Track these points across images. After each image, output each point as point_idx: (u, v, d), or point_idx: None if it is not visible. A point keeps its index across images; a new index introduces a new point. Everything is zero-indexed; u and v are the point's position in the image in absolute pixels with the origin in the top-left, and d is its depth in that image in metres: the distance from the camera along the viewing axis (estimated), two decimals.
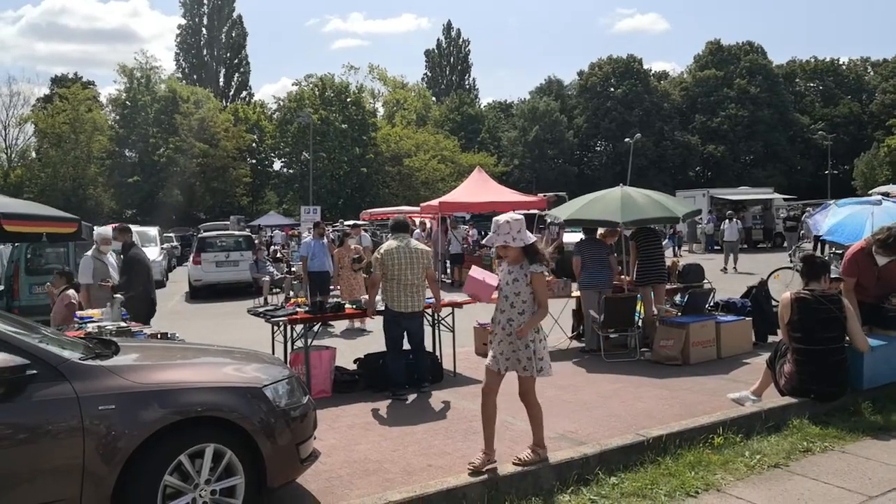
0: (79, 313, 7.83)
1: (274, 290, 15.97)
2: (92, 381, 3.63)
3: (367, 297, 7.62)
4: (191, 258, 19.55)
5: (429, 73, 75.69)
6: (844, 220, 8.59)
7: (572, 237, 16.19)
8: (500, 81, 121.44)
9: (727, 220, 21.73)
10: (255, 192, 56.02)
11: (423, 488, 4.32)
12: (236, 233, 22.13)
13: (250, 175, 53.01)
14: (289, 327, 7.18)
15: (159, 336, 6.42)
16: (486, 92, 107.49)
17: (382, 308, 7.19)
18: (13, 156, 54.74)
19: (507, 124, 70.36)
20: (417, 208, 23.57)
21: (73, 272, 12.02)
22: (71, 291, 8.17)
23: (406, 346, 7.18)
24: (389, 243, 7.05)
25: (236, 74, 64.73)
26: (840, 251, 9.38)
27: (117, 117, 52.30)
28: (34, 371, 3.48)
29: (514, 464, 4.64)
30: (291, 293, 15.08)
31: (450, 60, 75.61)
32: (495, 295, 4.90)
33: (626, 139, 49.62)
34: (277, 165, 57.83)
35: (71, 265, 12.96)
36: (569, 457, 4.78)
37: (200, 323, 13.43)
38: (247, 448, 3.94)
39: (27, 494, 3.40)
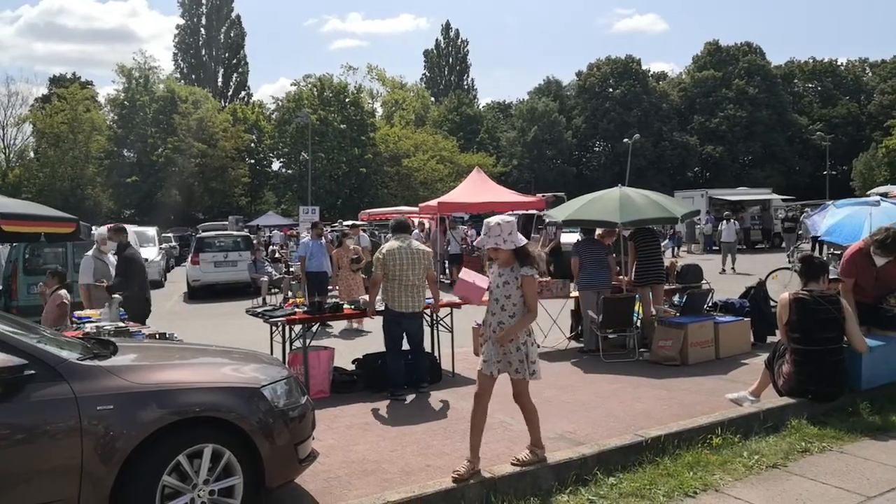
0: (77, 313, 7.83)
1: (272, 291, 15.94)
2: (90, 382, 3.62)
3: (365, 297, 7.62)
4: (189, 258, 19.53)
5: (427, 74, 75.71)
6: (843, 221, 8.61)
7: (570, 237, 16.22)
8: (498, 82, 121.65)
9: (725, 221, 21.74)
10: (254, 192, 56.01)
11: (422, 488, 4.32)
12: (235, 233, 22.11)
13: (249, 175, 53.00)
14: (287, 327, 7.17)
15: (157, 336, 6.41)
16: (485, 92, 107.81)
17: (382, 308, 7.19)
18: (11, 156, 54.76)
19: (506, 125, 70.39)
20: (416, 208, 23.56)
21: (68, 272, 12.03)
22: (63, 291, 8.14)
23: (405, 346, 7.19)
24: (391, 243, 7.04)
25: (235, 74, 64.71)
26: (838, 252, 9.40)
27: (115, 117, 52.24)
28: (32, 371, 3.48)
29: (513, 464, 4.65)
30: (290, 293, 15.06)
31: (448, 61, 75.61)
32: (486, 297, 4.89)
33: (625, 140, 49.66)
34: (276, 166, 57.95)
35: (69, 265, 12.97)
36: (567, 457, 4.78)
37: (199, 323, 13.42)
38: (245, 448, 3.93)
39: (25, 495, 3.39)
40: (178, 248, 31.19)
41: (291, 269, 17.64)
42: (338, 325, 11.64)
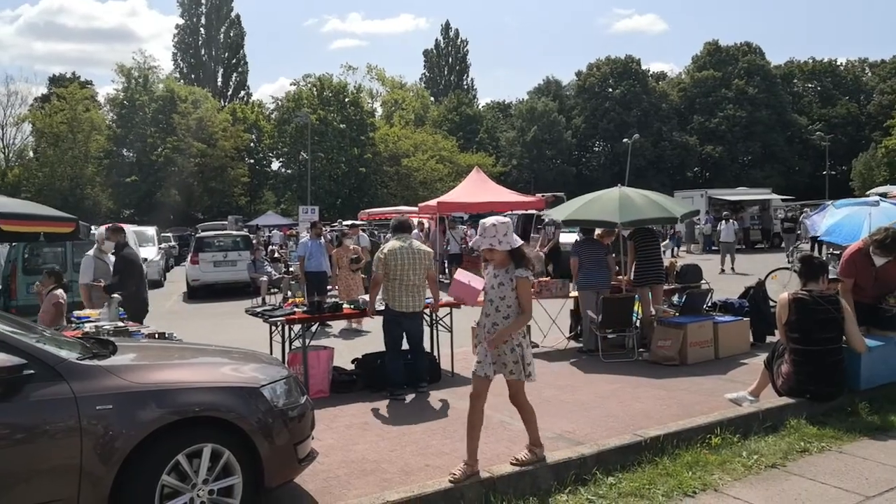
0: (76, 313, 7.84)
1: (272, 290, 15.94)
2: (89, 381, 3.62)
3: (364, 297, 7.62)
4: (188, 258, 19.53)
5: (427, 74, 75.70)
6: (842, 221, 8.62)
7: (568, 237, 16.23)
8: (498, 82, 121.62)
9: (724, 221, 21.74)
10: (253, 191, 56.00)
11: (421, 488, 4.32)
12: (234, 233, 22.11)
13: (248, 175, 52.99)
14: (287, 327, 7.18)
15: (157, 336, 6.41)
16: (485, 92, 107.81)
17: (382, 308, 7.19)
18: (11, 155, 54.73)
19: (506, 124, 70.37)
20: (416, 208, 23.57)
21: (67, 272, 12.01)
22: (59, 291, 8.15)
23: (405, 345, 7.19)
24: (392, 243, 7.04)
25: (234, 74, 64.69)
26: (837, 252, 9.41)
27: (115, 117, 52.21)
28: (31, 371, 3.48)
29: (512, 464, 4.64)
30: (289, 293, 15.06)
31: (448, 60, 75.61)
32: (481, 298, 4.87)
33: (625, 139, 49.67)
34: (275, 165, 57.94)
35: (68, 265, 12.98)
36: (566, 457, 4.78)
37: (198, 323, 13.42)
38: (245, 448, 3.93)
39: (24, 494, 3.39)
40: (177, 247, 31.17)
41: (291, 269, 17.63)
42: (337, 325, 11.64)
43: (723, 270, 19.69)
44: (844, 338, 6.07)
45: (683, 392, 6.75)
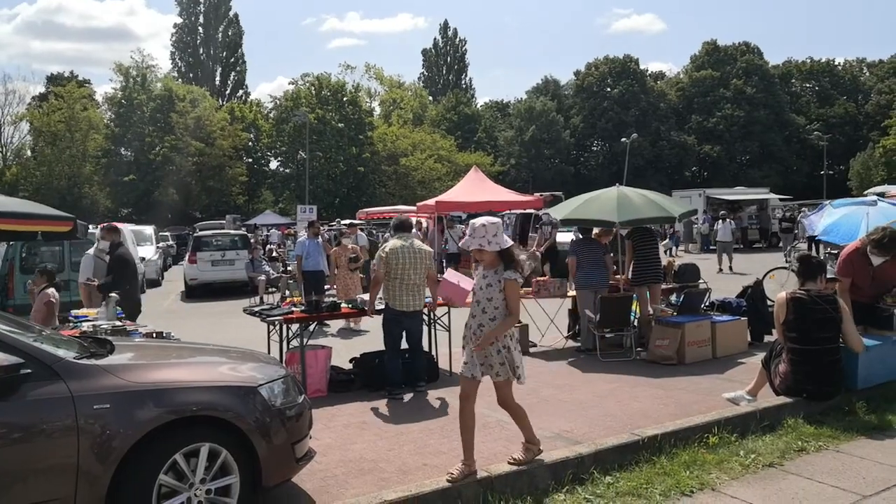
0: (74, 312, 7.82)
1: (270, 290, 15.93)
2: (87, 381, 3.62)
3: (362, 296, 7.61)
4: (186, 257, 19.50)
5: (425, 73, 75.68)
6: (840, 221, 8.63)
7: (565, 237, 16.25)
8: (496, 81, 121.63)
9: (721, 221, 21.76)
10: (252, 191, 55.92)
11: (419, 487, 4.32)
12: (232, 232, 22.09)
13: (246, 174, 52.89)
14: (284, 326, 7.17)
15: (154, 335, 6.41)
16: (483, 91, 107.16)
17: (381, 307, 7.19)
18: (8, 154, 54.62)
19: (504, 124, 70.38)
20: (414, 207, 23.58)
21: (65, 271, 11.99)
22: (51, 290, 8.14)
23: (403, 344, 7.18)
24: (394, 242, 7.04)
25: (232, 73, 64.57)
26: (835, 251, 9.42)
27: (113, 116, 52.15)
28: (29, 370, 3.47)
29: (510, 463, 4.64)
30: (287, 292, 15.05)
31: (446, 60, 75.59)
32: (470, 299, 4.85)
33: (623, 139, 49.70)
34: (274, 164, 57.88)
35: (66, 264, 12.96)
36: (564, 456, 4.78)
37: (196, 322, 13.41)
38: (242, 447, 3.93)
39: (21, 494, 3.39)
40: (175, 246, 31.14)
41: (289, 268, 17.62)
42: (335, 325, 11.64)
43: (720, 270, 19.71)
44: (842, 337, 6.08)
45: (681, 391, 6.76)
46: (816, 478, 4.64)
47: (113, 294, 7.57)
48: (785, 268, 13.35)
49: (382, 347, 7.23)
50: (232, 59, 64.14)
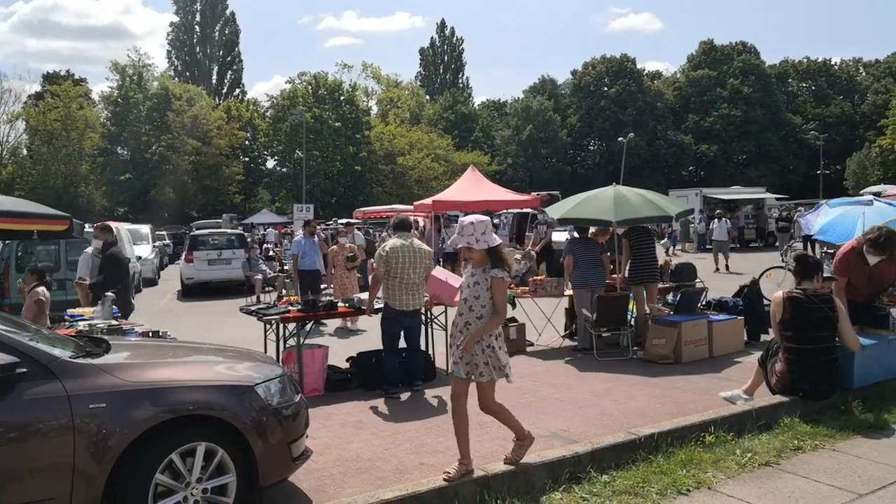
0: (70, 311, 7.81)
1: (266, 289, 15.92)
2: (83, 380, 3.61)
3: (359, 295, 7.61)
4: (183, 256, 19.48)
5: (422, 72, 75.58)
6: (836, 220, 8.66)
7: (560, 236, 16.27)
8: (493, 80, 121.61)
9: (716, 220, 21.79)
10: (248, 190, 55.82)
11: (416, 486, 4.31)
12: (229, 231, 22.06)
13: (243, 173, 52.82)
14: (281, 326, 7.16)
15: (151, 334, 6.40)
16: (480, 91, 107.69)
17: (380, 306, 7.18)
18: (4, 153, 54.38)
19: (501, 123, 70.35)
20: (411, 207, 23.56)
21: (61, 270, 11.97)
22: (41, 289, 8.12)
23: (401, 344, 7.18)
24: (394, 241, 7.04)
25: (229, 72, 64.43)
26: (831, 251, 9.44)
27: (109, 115, 52.02)
28: (24, 369, 3.47)
29: (506, 462, 4.64)
30: (284, 291, 15.04)
31: (443, 59, 75.51)
32: (458, 297, 4.85)
33: (620, 138, 49.68)
34: (270, 163, 57.78)
35: (62, 263, 12.94)
36: (560, 455, 4.78)
37: (192, 321, 13.38)
38: (239, 446, 3.93)
39: (17, 493, 3.38)
40: (171, 245, 31.11)
41: (286, 268, 17.61)
42: (332, 324, 11.63)
43: (717, 269, 19.73)
44: (838, 336, 6.09)
45: (678, 390, 6.76)
46: (812, 476, 4.65)
47: (109, 293, 7.56)
48: (781, 267, 13.37)
49: (379, 347, 7.22)
50: (228, 58, 64.01)
